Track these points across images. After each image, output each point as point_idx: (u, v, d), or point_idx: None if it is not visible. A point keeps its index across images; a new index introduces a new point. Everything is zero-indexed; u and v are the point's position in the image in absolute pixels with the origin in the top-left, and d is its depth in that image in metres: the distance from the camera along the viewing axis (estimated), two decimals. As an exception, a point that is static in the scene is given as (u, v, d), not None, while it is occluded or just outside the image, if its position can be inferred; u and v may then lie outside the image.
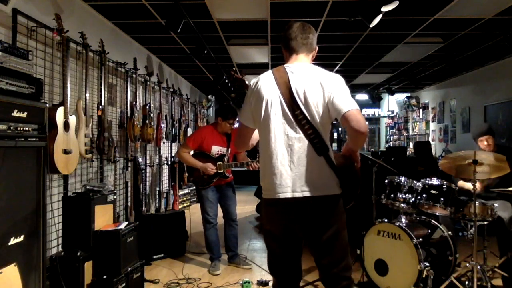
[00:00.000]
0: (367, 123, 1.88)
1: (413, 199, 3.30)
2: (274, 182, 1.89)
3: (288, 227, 1.92)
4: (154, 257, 4.23)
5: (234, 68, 2.97)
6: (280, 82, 1.92)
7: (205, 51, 4.90)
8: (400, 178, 3.37)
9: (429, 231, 3.32)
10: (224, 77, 7.07)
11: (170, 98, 6.51)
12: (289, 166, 1.88)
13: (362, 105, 12.27)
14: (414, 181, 3.34)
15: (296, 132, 1.88)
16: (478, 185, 3.02)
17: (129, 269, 3.06)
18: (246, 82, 2.76)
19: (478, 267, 2.94)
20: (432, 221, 3.40)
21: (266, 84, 1.95)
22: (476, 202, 2.97)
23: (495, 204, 3.17)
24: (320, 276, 2.02)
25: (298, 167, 1.87)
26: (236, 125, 3.95)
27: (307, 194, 1.85)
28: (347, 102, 1.81)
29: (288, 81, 1.91)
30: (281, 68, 1.98)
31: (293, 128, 1.89)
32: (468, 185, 3.36)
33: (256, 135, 2.13)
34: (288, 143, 1.89)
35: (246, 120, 2.04)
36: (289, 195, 1.86)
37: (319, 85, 1.87)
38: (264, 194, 1.98)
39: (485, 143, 3.57)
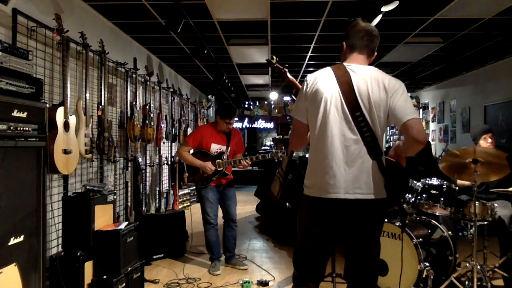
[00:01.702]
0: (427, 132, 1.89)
1: (413, 199, 3.30)
2: (327, 182, 1.87)
3: (329, 227, 1.91)
4: (154, 257, 4.23)
5: (274, 56, 2.94)
6: (342, 81, 1.88)
7: (205, 51, 4.90)
8: (400, 178, 3.36)
9: (429, 231, 3.32)
10: (224, 77, 7.07)
11: (170, 98, 6.51)
12: (344, 167, 1.86)
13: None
14: (414, 181, 3.34)
15: (353, 134, 1.86)
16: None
17: (129, 269, 3.06)
18: (289, 75, 2.73)
19: (478, 267, 2.94)
20: (432, 221, 3.40)
21: (325, 81, 1.91)
22: (476, 202, 2.97)
23: (495, 204, 3.17)
24: (348, 272, 2.02)
25: (352, 169, 1.85)
26: (235, 125, 3.95)
27: (359, 196, 1.85)
28: (409, 110, 1.81)
29: (351, 80, 1.88)
30: (342, 66, 1.94)
31: (351, 129, 1.86)
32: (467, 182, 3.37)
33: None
34: (344, 144, 1.86)
35: (301, 116, 1.98)
36: (341, 196, 1.85)
37: (384, 89, 1.85)
38: (310, 191, 1.95)
39: (489, 140, 3.57)
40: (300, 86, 2.29)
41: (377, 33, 2.01)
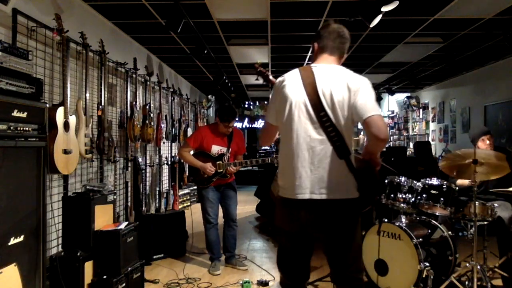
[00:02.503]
0: (388, 129, 1.88)
1: (413, 199, 3.29)
2: (293, 183, 1.88)
3: (302, 227, 1.91)
4: (154, 257, 4.23)
5: (258, 61, 2.96)
6: (306, 83, 1.90)
7: (205, 51, 4.91)
8: (400, 178, 3.37)
9: (429, 231, 3.32)
10: (224, 77, 7.07)
11: (170, 98, 6.51)
12: (309, 167, 1.87)
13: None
14: (414, 181, 3.34)
15: (319, 134, 1.87)
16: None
17: (129, 269, 3.06)
18: (270, 77, 2.75)
19: (478, 267, 2.94)
20: (432, 221, 3.40)
21: (292, 83, 1.93)
22: (476, 202, 2.97)
23: (495, 204, 3.17)
24: (332, 276, 2.02)
25: (318, 169, 1.86)
26: (235, 124, 3.95)
27: (325, 196, 1.85)
28: (370, 107, 1.80)
29: (315, 82, 1.89)
30: (308, 68, 1.96)
31: (316, 130, 1.87)
32: (467, 181, 3.38)
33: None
34: (310, 144, 1.87)
35: (271, 118, 2.04)
36: (307, 196, 1.86)
37: (346, 88, 1.85)
38: (281, 192, 1.97)
39: (488, 142, 3.57)
40: None
41: (348, 36, 2.03)
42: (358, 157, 1.98)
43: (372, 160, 1.95)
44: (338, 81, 1.88)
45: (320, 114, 1.86)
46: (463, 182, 3.54)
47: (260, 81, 2.84)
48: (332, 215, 1.87)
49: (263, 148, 12.64)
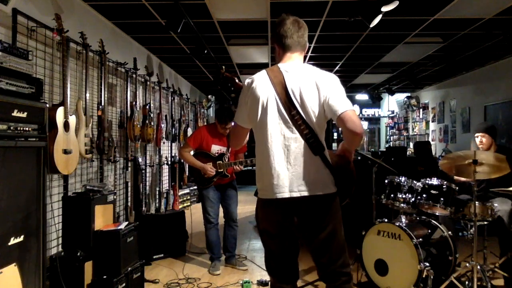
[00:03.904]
0: (362, 123, 1.89)
1: (413, 199, 3.30)
2: (272, 183, 1.88)
3: (285, 226, 1.93)
4: (154, 257, 4.23)
5: (223, 67, 2.96)
6: (275, 82, 1.91)
7: (205, 51, 4.91)
8: (400, 178, 3.37)
9: (429, 231, 3.32)
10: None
11: (170, 98, 6.52)
12: (286, 166, 1.88)
13: (362, 105, 12.28)
14: (414, 181, 3.34)
15: (292, 132, 1.88)
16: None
17: (129, 269, 3.06)
18: (237, 80, 2.75)
19: (478, 267, 2.94)
20: (432, 221, 3.40)
21: (261, 84, 1.94)
22: (476, 202, 2.97)
23: (495, 204, 3.17)
24: (319, 273, 2.03)
25: (295, 167, 1.87)
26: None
27: (305, 193, 1.86)
28: (342, 103, 1.81)
29: (284, 81, 1.90)
30: (275, 68, 1.97)
31: (289, 128, 1.88)
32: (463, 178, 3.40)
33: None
34: (284, 143, 1.89)
35: (241, 121, 2.04)
36: (286, 195, 1.86)
37: (315, 85, 1.87)
38: (260, 194, 1.98)
39: (479, 139, 3.58)
40: None
41: (304, 24, 2.02)
42: (332, 153, 2.01)
43: (346, 156, 1.98)
44: (307, 79, 1.89)
45: (292, 113, 1.87)
46: (458, 178, 3.55)
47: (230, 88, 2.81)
48: (313, 211, 1.88)
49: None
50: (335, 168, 1.92)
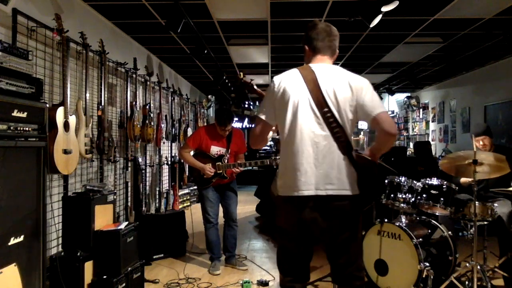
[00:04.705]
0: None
1: (413, 199, 3.29)
2: (298, 179, 1.87)
3: (306, 225, 1.91)
4: (154, 257, 4.23)
5: (241, 72, 2.96)
6: (308, 80, 1.91)
7: (205, 51, 4.91)
8: (400, 178, 3.37)
9: (429, 231, 3.32)
10: (224, 77, 7.07)
11: (170, 98, 6.52)
12: (314, 164, 1.87)
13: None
14: (414, 181, 3.34)
15: (322, 130, 1.88)
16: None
17: (129, 269, 3.06)
18: (255, 86, 2.75)
19: (478, 267, 2.94)
20: (432, 221, 3.40)
21: (292, 82, 1.94)
22: (476, 202, 2.97)
23: (495, 204, 3.17)
24: (334, 274, 2.02)
25: (323, 165, 1.86)
26: (235, 124, 3.94)
27: (331, 192, 1.85)
28: (377, 104, 1.86)
29: (316, 79, 1.91)
30: (307, 67, 1.97)
31: (320, 126, 1.88)
32: (468, 180, 3.39)
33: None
34: (314, 140, 1.88)
35: (269, 118, 2.01)
36: (312, 192, 1.85)
37: (348, 86, 1.88)
38: (282, 191, 1.95)
39: (481, 143, 3.58)
40: None
41: (337, 32, 2.04)
42: (358, 155, 1.99)
43: (375, 157, 1.98)
44: (340, 79, 1.90)
45: (324, 110, 1.87)
46: (465, 180, 3.54)
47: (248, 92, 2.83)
48: (337, 211, 1.87)
49: (263, 148, 12.66)
50: (361, 169, 1.92)
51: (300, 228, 1.92)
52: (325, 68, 1.95)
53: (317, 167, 1.86)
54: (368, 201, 2.00)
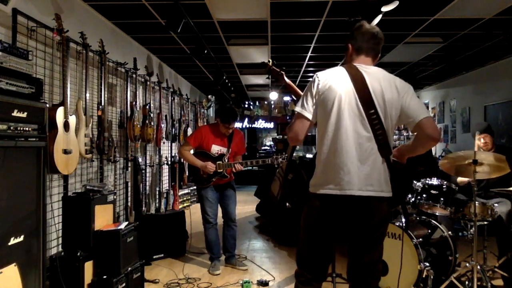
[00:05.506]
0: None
1: (413, 199, 3.30)
2: (342, 178, 1.86)
3: (341, 224, 1.93)
4: (154, 257, 4.23)
5: (270, 60, 2.95)
6: (355, 79, 1.90)
7: (205, 51, 4.91)
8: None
9: (429, 231, 3.32)
10: (224, 77, 7.07)
11: (170, 98, 6.52)
12: (357, 164, 1.87)
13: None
14: (414, 181, 3.34)
15: (366, 131, 1.87)
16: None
17: (129, 269, 3.06)
18: (285, 77, 2.73)
19: (478, 267, 2.94)
20: (432, 221, 3.40)
21: (338, 79, 1.92)
22: (476, 202, 2.97)
23: (495, 204, 3.17)
24: (352, 272, 2.02)
25: (365, 166, 1.87)
26: (235, 124, 3.95)
27: (371, 194, 1.86)
28: (423, 109, 1.87)
29: (364, 79, 1.90)
30: (354, 66, 1.96)
31: (365, 127, 1.88)
32: (466, 179, 3.40)
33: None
34: (358, 141, 1.87)
35: (309, 114, 1.95)
36: (355, 192, 1.86)
37: (395, 88, 1.89)
38: (320, 189, 1.92)
39: (482, 140, 3.59)
40: (297, 89, 2.25)
41: (382, 35, 2.03)
42: (392, 158, 2.00)
43: (403, 159, 2.01)
44: (387, 81, 1.90)
45: (370, 112, 1.86)
46: (462, 179, 3.55)
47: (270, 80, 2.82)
48: (374, 211, 1.89)
49: (262, 148, 12.66)
50: (396, 172, 1.93)
51: (332, 227, 1.94)
52: (371, 69, 1.95)
53: (360, 168, 1.86)
54: (397, 203, 2.02)
